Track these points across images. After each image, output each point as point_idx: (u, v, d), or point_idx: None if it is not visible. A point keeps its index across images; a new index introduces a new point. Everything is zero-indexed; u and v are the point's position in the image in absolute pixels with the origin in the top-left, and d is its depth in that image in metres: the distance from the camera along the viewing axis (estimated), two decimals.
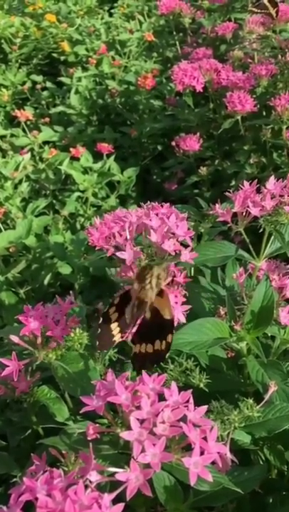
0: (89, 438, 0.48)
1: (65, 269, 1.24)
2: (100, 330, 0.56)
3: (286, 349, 0.74)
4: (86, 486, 0.45)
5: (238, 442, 0.62)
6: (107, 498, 0.43)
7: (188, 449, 0.47)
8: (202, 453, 0.45)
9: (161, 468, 0.46)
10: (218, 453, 0.47)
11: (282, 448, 0.64)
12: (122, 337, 0.57)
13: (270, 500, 0.67)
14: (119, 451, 0.50)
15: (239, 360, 0.69)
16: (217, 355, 0.70)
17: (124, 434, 0.45)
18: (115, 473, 0.44)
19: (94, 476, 0.46)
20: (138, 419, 0.46)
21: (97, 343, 0.56)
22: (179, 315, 0.62)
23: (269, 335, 0.75)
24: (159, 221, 0.64)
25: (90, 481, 0.46)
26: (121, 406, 0.47)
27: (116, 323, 0.57)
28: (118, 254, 0.63)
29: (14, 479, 0.50)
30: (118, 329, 0.57)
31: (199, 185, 1.54)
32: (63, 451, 0.53)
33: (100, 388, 0.48)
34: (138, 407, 0.47)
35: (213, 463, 0.48)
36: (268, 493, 0.68)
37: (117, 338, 0.57)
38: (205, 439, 0.46)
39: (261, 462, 0.68)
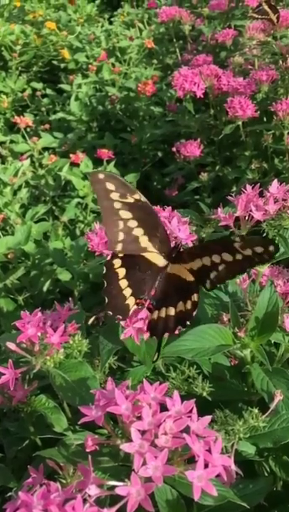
0: (88, 450, 0.46)
1: (64, 276, 1.22)
2: (107, 286, 0.53)
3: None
4: (85, 501, 0.43)
5: (243, 453, 0.60)
6: None
7: (191, 461, 0.45)
8: (206, 466, 0.43)
9: (163, 481, 0.45)
10: (223, 465, 0.45)
11: (287, 459, 0.62)
12: (137, 303, 0.54)
13: None
14: (119, 464, 0.48)
15: (243, 368, 0.67)
16: (220, 363, 0.68)
17: (125, 446, 0.43)
18: (115, 486, 0.42)
19: (93, 490, 0.44)
20: (139, 430, 0.44)
21: (108, 304, 0.53)
22: None
23: (273, 342, 0.73)
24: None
25: (89, 495, 0.44)
26: (121, 416, 0.45)
27: (125, 281, 0.54)
28: None
29: (10, 493, 0.48)
30: (130, 291, 0.54)
31: (200, 191, 1.53)
32: (61, 463, 0.51)
33: (99, 397, 0.46)
34: (139, 418, 0.45)
35: (218, 476, 0.46)
36: (274, 506, 0.65)
37: (131, 304, 0.54)
38: (209, 451, 0.44)
39: (266, 474, 0.65)
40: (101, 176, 0.53)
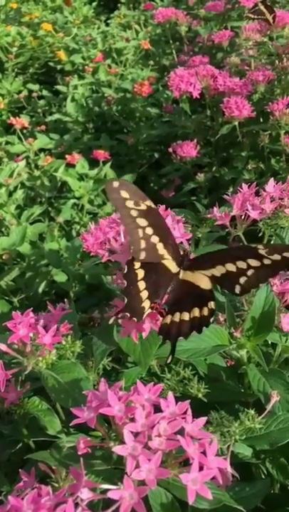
0: (79, 452, 0.45)
1: (60, 277, 1.21)
2: (127, 286, 0.53)
3: (288, 357, 0.71)
4: (77, 504, 0.42)
5: (239, 455, 0.59)
6: None
7: (186, 463, 0.44)
8: (201, 468, 0.42)
9: (157, 484, 0.43)
10: (218, 468, 0.44)
11: (285, 461, 0.61)
12: (151, 307, 0.54)
13: None
14: (113, 467, 0.47)
15: (239, 369, 0.66)
16: (216, 364, 0.67)
17: (117, 449, 0.42)
18: (108, 490, 0.41)
19: (85, 494, 0.43)
20: (132, 432, 0.43)
21: (127, 305, 0.53)
22: None
23: (270, 343, 0.72)
24: None
25: (81, 499, 0.43)
26: (114, 418, 0.44)
27: (143, 283, 0.54)
28: (112, 257, 0.60)
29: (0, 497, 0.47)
30: (146, 293, 0.54)
31: (197, 192, 1.52)
32: (54, 467, 0.50)
33: (91, 399, 0.45)
34: (132, 419, 0.44)
35: (213, 478, 0.45)
36: (271, 509, 0.64)
37: (146, 306, 0.54)
38: (204, 453, 0.43)
39: (263, 476, 0.64)
40: (115, 184, 0.52)
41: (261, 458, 0.62)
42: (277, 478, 0.61)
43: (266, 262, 0.53)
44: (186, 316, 0.55)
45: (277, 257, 0.53)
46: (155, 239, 0.56)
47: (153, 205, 0.57)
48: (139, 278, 0.54)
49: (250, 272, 0.54)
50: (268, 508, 0.64)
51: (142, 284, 0.54)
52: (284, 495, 0.65)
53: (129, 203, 0.53)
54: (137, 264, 0.55)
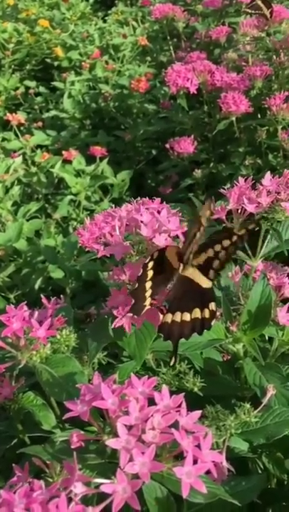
0: (72, 446, 0.44)
1: (56, 274, 1.21)
2: (136, 287, 0.53)
3: (284, 352, 0.70)
4: (70, 499, 0.41)
5: (235, 450, 0.58)
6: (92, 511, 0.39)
7: (180, 457, 0.43)
8: (195, 462, 0.42)
9: (151, 478, 0.43)
10: (213, 462, 0.43)
11: (281, 456, 0.60)
12: (150, 303, 0.55)
13: (270, 511, 0.63)
14: (107, 461, 0.47)
15: (236, 363, 0.66)
16: (212, 358, 0.66)
17: (111, 442, 0.41)
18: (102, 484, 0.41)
19: (79, 488, 0.42)
20: (126, 426, 0.42)
21: (132, 306, 0.53)
22: None
23: (267, 338, 0.72)
24: (150, 216, 0.61)
25: (75, 493, 0.42)
26: (108, 411, 0.44)
27: (149, 283, 0.54)
28: (106, 249, 0.60)
29: None
30: (150, 292, 0.54)
31: (194, 188, 1.52)
32: (48, 461, 0.50)
33: (84, 392, 0.45)
34: (126, 413, 0.43)
35: (208, 472, 0.44)
36: (268, 504, 0.64)
37: (147, 303, 0.54)
38: (198, 446, 0.42)
39: (260, 471, 0.64)
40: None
41: (257, 452, 0.62)
42: (273, 472, 0.60)
43: (234, 238, 0.54)
44: (187, 317, 0.55)
45: (242, 231, 0.53)
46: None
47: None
48: (148, 278, 0.54)
49: (221, 254, 0.55)
50: (264, 502, 0.64)
51: (148, 284, 0.55)
52: (280, 489, 0.65)
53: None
54: (150, 265, 0.55)
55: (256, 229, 0.55)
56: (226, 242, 0.54)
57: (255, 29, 1.52)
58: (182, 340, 0.58)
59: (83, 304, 1.17)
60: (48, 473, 0.50)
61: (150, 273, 0.54)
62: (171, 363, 0.57)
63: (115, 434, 0.43)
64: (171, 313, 0.55)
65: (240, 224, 0.54)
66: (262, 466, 0.63)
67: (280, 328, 0.66)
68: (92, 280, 1.21)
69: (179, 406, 0.44)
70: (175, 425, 0.43)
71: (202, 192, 1.50)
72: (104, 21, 2.44)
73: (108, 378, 0.46)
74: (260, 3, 1.35)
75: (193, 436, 0.42)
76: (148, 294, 0.54)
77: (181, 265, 0.58)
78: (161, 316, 0.56)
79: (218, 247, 0.55)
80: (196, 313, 0.55)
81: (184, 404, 0.44)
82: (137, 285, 0.53)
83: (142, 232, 0.58)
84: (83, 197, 1.43)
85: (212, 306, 0.55)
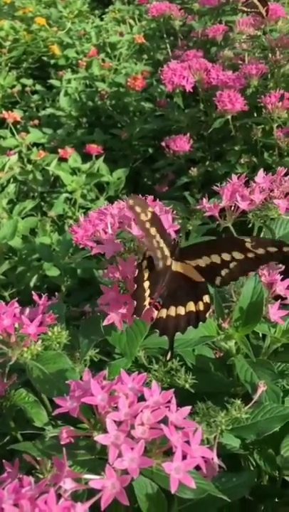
0: (62, 442, 0.44)
1: (52, 271, 1.20)
2: (136, 289, 0.53)
3: (277, 349, 0.71)
4: (60, 495, 0.42)
5: (227, 447, 0.58)
6: (80, 507, 0.40)
7: (170, 453, 0.43)
8: (184, 457, 0.42)
9: (141, 474, 0.43)
10: (204, 457, 0.44)
11: (272, 452, 0.60)
12: (149, 303, 0.55)
13: (262, 508, 0.64)
14: (97, 457, 0.47)
15: (228, 360, 0.66)
16: (204, 355, 0.66)
17: (100, 438, 0.41)
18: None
19: (68, 484, 0.43)
20: (115, 422, 0.42)
21: (135, 308, 0.54)
22: None
23: (261, 336, 0.72)
24: None
25: (64, 489, 0.42)
26: (97, 407, 0.44)
27: (147, 283, 0.55)
28: (97, 247, 0.60)
29: None
30: (148, 291, 0.55)
31: (190, 186, 1.52)
32: (39, 458, 0.50)
33: (74, 388, 0.45)
34: (116, 409, 0.43)
35: (199, 468, 0.44)
36: (260, 501, 0.64)
37: (147, 303, 0.54)
38: (188, 442, 0.43)
39: (252, 468, 0.64)
40: (131, 202, 0.53)
41: (250, 449, 0.62)
42: (265, 469, 0.60)
43: (250, 255, 0.53)
44: (181, 311, 0.56)
45: (261, 251, 0.53)
46: (161, 242, 0.56)
47: (153, 210, 0.57)
48: (145, 278, 0.55)
49: (232, 265, 0.54)
50: (256, 499, 0.64)
51: (146, 284, 0.55)
52: (272, 486, 0.65)
53: (143, 216, 0.53)
54: (144, 265, 0.55)
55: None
56: (238, 255, 0.54)
57: (252, 27, 1.52)
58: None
59: (78, 302, 1.17)
60: (39, 469, 0.50)
61: (146, 273, 0.55)
62: (167, 358, 0.57)
63: (105, 430, 0.43)
64: (165, 308, 0.56)
65: (256, 242, 0.53)
66: (254, 463, 0.63)
67: (273, 325, 0.66)
68: (87, 278, 1.21)
69: (169, 402, 0.44)
70: (165, 421, 0.43)
71: (198, 190, 1.50)
72: (102, 19, 2.44)
73: (98, 374, 0.46)
74: (255, 1, 1.35)
75: (182, 432, 0.43)
76: (147, 293, 0.55)
77: (173, 261, 0.58)
78: (155, 311, 0.56)
79: (226, 256, 0.54)
80: (190, 306, 0.55)
81: (173, 400, 0.44)
82: (136, 286, 0.54)
83: (132, 231, 0.58)
84: (79, 195, 1.43)
85: (206, 298, 0.55)
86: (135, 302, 0.54)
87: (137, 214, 0.52)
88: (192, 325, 0.56)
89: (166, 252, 0.56)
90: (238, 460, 0.65)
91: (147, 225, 0.53)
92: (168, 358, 0.57)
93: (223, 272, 0.55)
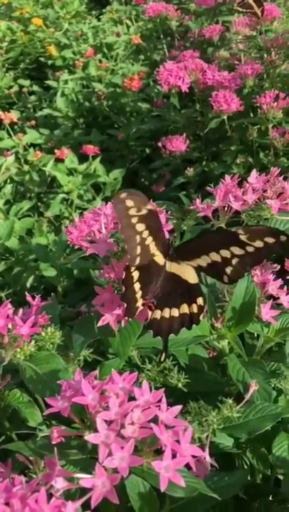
0: (53, 442, 0.45)
1: (48, 272, 1.21)
2: (125, 291, 0.53)
3: (271, 348, 0.71)
4: (52, 494, 0.42)
5: (220, 446, 0.59)
6: (71, 506, 0.40)
7: (161, 452, 0.44)
8: (174, 456, 0.42)
9: (132, 473, 0.43)
10: (195, 456, 0.44)
11: (265, 451, 0.61)
12: (142, 304, 0.55)
13: (256, 506, 0.64)
14: (88, 456, 0.47)
15: (221, 360, 0.66)
16: (198, 355, 0.67)
17: (90, 437, 0.42)
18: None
19: (60, 483, 0.43)
20: (106, 421, 0.43)
21: (126, 310, 0.54)
22: None
23: (256, 335, 0.72)
24: None
25: (56, 488, 0.42)
26: (88, 407, 0.44)
27: (138, 284, 0.55)
28: (91, 247, 0.60)
29: None
30: (140, 292, 0.55)
31: (187, 186, 1.52)
32: (32, 458, 0.50)
33: (65, 388, 0.45)
34: (106, 408, 0.44)
35: (190, 468, 0.45)
36: (253, 499, 0.64)
37: (139, 304, 0.55)
38: (178, 441, 0.43)
39: (246, 467, 0.64)
40: (123, 195, 0.52)
41: (243, 448, 0.62)
42: (257, 467, 0.61)
43: (249, 249, 0.53)
44: (175, 312, 0.56)
45: (259, 243, 0.52)
46: (149, 240, 0.56)
47: (153, 208, 0.57)
48: (134, 280, 0.55)
49: (234, 261, 0.54)
50: (250, 497, 0.65)
51: (137, 286, 0.55)
52: (266, 484, 0.65)
53: (132, 211, 0.53)
54: (133, 267, 0.55)
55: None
56: (237, 250, 0.53)
57: (248, 28, 1.52)
58: None
59: (75, 302, 1.17)
60: (32, 469, 0.51)
61: (136, 274, 0.55)
62: (162, 359, 0.58)
63: (95, 430, 0.43)
64: (159, 309, 0.56)
65: (251, 234, 0.53)
66: (248, 462, 0.63)
67: (266, 324, 0.66)
68: (84, 278, 1.21)
69: (159, 401, 0.44)
70: (155, 420, 0.43)
71: (195, 190, 1.51)
72: (99, 20, 2.44)
73: (89, 374, 0.46)
74: (251, 1, 1.35)
75: (172, 431, 0.43)
76: (138, 295, 0.55)
77: (167, 262, 0.58)
78: (149, 312, 0.57)
79: (226, 253, 0.54)
80: (184, 308, 0.56)
81: (163, 400, 0.44)
82: (124, 288, 0.54)
83: None
84: (75, 195, 1.43)
85: (200, 301, 0.56)
86: (126, 304, 0.54)
87: (126, 207, 0.52)
88: (186, 327, 0.56)
89: (154, 251, 0.56)
90: (232, 459, 0.65)
91: (134, 219, 0.52)
92: (162, 358, 0.58)
93: (228, 270, 0.54)
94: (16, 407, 0.61)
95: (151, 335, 0.58)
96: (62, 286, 1.19)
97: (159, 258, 0.58)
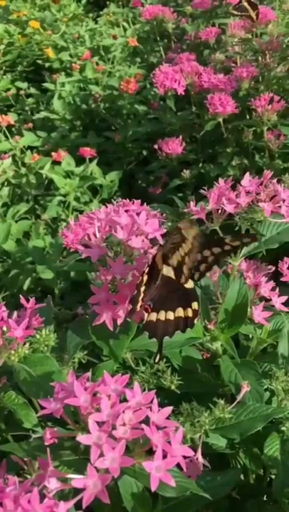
0: (46, 443, 0.45)
1: (45, 274, 1.21)
2: (136, 293, 0.55)
3: (265, 349, 0.72)
4: (44, 494, 0.42)
5: (213, 446, 0.59)
6: (63, 506, 0.40)
7: (153, 453, 0.44)
8: (165, 456, 0.43)
9: (124, 473, 0.44)
10: (186, 457, 0.45)
11: (257, 451, 0.61)
12: (140, 305, 0.56)
13: (249, 506, 0.65)
14: (81, 457, 0.48)
15: (214, 361, 0.67)
16: (192, 356, 0.67)
17: (82, 438, 0.42)
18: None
19: (53, 484, 0.44)
20: (98, 422, 0.43)
21: (130, 311, 0.56)
22: None
23: (251, 337, 0.73)
24: (128, 218, 0.62)
25: (48, 489, 0.43)
26: (80, 409, 0.45)
27: (144, 287, 0.56)
28: (83, 252, 0.61)
29: None
30: (143, 295, 0.56)
31: (183, 188, 1.53)
32: (26, 459, 0.51)
33: (58, 390, 0.46)
34: (98, 410, 0.44)
35: (181, 468, 0.45)
36: (246, 499, 0.65)
37: (138, 306, 0.55)
38: (169, 442, 0.44)
39: (239, 467, 0.65)
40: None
41: (236, 448, 0.63)
42: (250, 468, 0.61)
43: (226, 247, 0.56)
44: (171, 316, 0.57)
45: (236, 243, 0.55)
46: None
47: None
48: (144, 283, 0.56)
49: (210, 259, 0.56)
50: (243, 497, 0.65)
51: (142, 288, 0.56)
52: (259, 484, 0.66)
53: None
54: (146, 271, 0.56)
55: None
56: (217, 250, 0.56)
57: (243, 30, 1.53)
58: None
59: (72, 304, 1.18)
60: (27, 470, 0.51)
61: (146, 278, 0.56)
62: (156, 360, 0.58)
63: (88, 431, 0.44)
64: (155, 312, 0.57)
65: (236, 236, 0.57)
66: (242, 462, 0.64)
67: (259, 326, 0.67)
68: (81, 280, 1.22)
69: (151, 402, 0.45)
70: (146, 421, 0.44)
71: (191, 192, 1.51)
72: (96, 22, 2.45)
73: (82, 376, 0.47)
74: (246, 4, 1.36)
75: (163, 432, 0.43)
76: (141, 297, 0.56)
77: (165, 266, 0.59)
78: (146, 314, 0.57)
79: (207, 253, 0.56)
80: (180, 312, 0.57)
81: (155, 401, 0.45)
82: (136, 292, 0.55)
83: (117, 235, 0.59)
84: (72, 198, 1.44)
85: (194, 305, 0.57)
86: (131, 305, 0.55)
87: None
88: (181, 330, 0.57)
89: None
90: (226, 459, 0.66)
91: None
92: (157, 360, 0.59)
93: (201, 267, 0.57)
94: (12, 408, 0.61)
95: (145, 337, 0.59)
96: (59, 288, 1.20)
97: (159, 261, 0.59)
